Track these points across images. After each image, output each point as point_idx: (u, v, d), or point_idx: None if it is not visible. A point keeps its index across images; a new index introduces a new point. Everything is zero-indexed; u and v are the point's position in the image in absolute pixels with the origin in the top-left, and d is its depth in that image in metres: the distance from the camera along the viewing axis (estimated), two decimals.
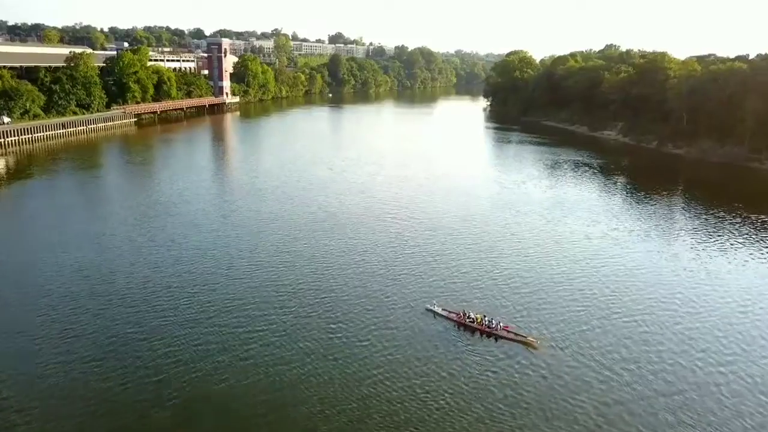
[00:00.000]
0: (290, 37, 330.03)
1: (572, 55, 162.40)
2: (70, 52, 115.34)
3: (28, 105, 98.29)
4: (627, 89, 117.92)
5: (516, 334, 31.42)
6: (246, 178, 70.05)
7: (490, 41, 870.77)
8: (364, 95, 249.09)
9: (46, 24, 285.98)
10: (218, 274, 38.50)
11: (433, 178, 71.85)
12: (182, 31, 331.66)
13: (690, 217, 56.30)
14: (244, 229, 48.43)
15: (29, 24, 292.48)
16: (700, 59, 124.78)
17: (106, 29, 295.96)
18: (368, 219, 52.09)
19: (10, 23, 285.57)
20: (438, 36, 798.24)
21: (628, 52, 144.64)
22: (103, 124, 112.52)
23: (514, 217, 53.90)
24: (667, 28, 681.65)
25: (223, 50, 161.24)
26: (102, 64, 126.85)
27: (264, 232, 47.72)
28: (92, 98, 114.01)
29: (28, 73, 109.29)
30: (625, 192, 68.42)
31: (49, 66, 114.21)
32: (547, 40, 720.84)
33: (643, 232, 50.75)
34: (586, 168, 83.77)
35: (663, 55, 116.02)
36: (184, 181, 66.52)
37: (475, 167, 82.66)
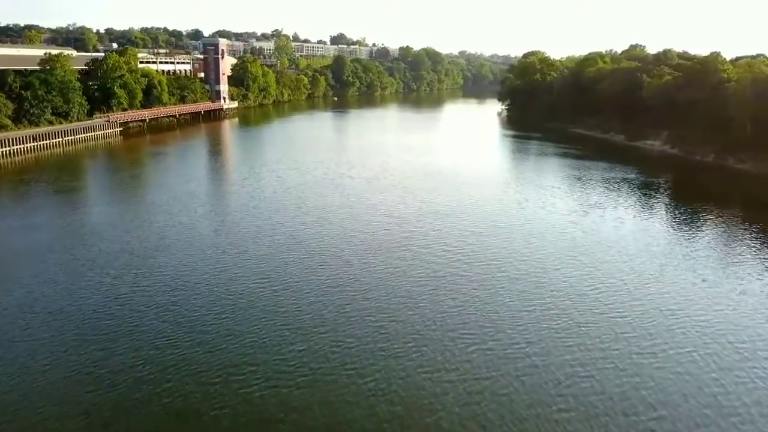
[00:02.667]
0: (291, 38, 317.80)
1: (600, 55, 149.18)
2: (45, 54, 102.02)
3: None
4: (672, 94, 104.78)
5: None
6: (243, 209, 56.68)
7: (494, 42, 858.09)
8: (369, 98, 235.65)
9: (40, 25, 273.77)
10: (198, 380, 25.24)
11: (473, 209, 58.27)
12: (180, 33, 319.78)
13: None
14: (236, 298, 35.02)
15: (21, 25, 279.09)
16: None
17: (102, 30, 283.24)
18: (405, 282, 38.62)
19: (2, 24, 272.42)
20: (441, 36, 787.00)
21: (665, 52, 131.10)
22: (84, 135, 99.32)
23: (598, 274, 40.20)
24: (673, 27, 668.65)
25: (220, 51, 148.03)
26: (84, 67, 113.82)
27: (264, 304, 34.26)
28: (71, 106, 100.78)
29: (1, 78, 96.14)
30: (715, 226, 54.95)
31: (25, 69, 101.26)
32: (551, 40, 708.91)
33: None
34: (647, 189, 70.52)
35: (716, 56, 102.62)
36: (168, 216, 53.16)
37: (517, 190, 69.09)
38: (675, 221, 56.58)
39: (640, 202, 64.66)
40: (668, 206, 63.32)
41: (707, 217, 58.33)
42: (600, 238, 48.98)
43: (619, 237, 49.66)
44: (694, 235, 51.57)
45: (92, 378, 25.96)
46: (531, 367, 26.92)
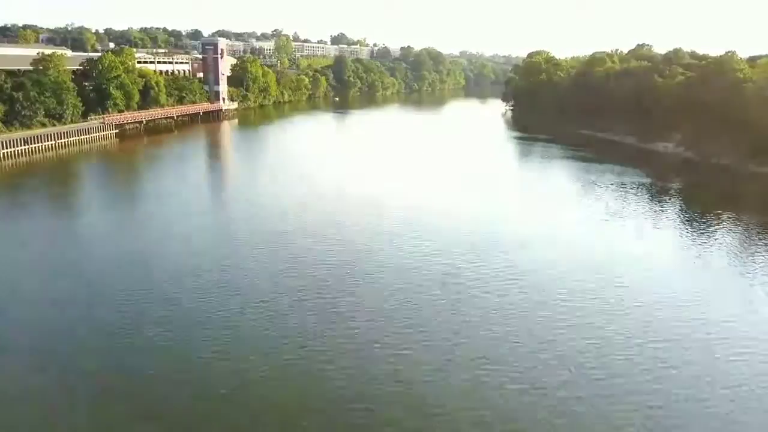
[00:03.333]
0: (291, 38, 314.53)
1: (609, 55, 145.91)
2: (38, 53, 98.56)
3: None
4: (685, 95, 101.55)
5: None
6: (241, 224, 52.59)
7: (495, 42, 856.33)
8: (370, 99, 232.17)
9: (39, 25, 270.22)
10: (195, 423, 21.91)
11: (486, 219, 54.76)
12: (179, 33, 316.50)
13: None
14: (235, 327, 31.62)
15: (19, 25, 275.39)
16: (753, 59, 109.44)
17: (101, 31, 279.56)
18: (421, 303, 35.29)
19: (0, 24, 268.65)
20: (442, 36, 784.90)
21: (676, 52, 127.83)
22: (78, 138, 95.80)
23: (633, 294, 36.44)
24: (675, 27, 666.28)
25: (219, 51, 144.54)
26: (79, 67, 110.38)
27: (266, 333, 30.86)
28: (65, 107, 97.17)
29: None
30: (744, 236, 51.41)
31: (18, 69, 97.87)
32: (553, 40, 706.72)
33: None
34: (665, 195, 67.62)
35: (731, 55, 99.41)
36: (163, 225, 49.83)
37: (531, 197, 65.68)
38: (701, 231, 53.15)
39: (659, 209, 61.34)
40: (691, 213, 60.00)
41: (733, 225, 54.87)
42: (625, 251, 45.54)
43: (645, 250, 46.23)
44: (723, 246, 48.02)
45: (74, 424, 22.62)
46: (577, 413, 23.48)
